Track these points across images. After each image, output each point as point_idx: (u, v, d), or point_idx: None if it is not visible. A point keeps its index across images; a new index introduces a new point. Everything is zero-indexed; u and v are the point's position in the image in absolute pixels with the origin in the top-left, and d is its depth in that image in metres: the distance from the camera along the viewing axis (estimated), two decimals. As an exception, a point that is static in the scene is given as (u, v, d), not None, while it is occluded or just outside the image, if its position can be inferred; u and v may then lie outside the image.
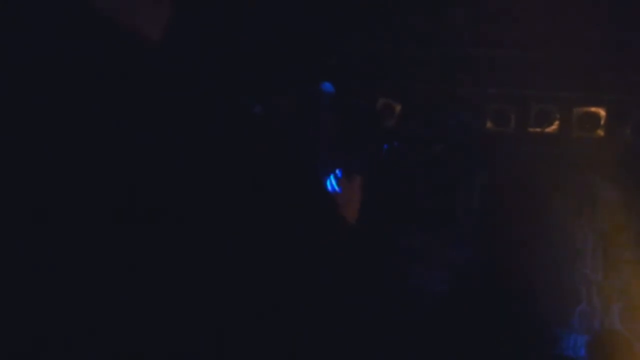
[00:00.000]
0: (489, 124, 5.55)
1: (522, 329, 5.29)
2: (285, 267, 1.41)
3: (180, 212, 1.26)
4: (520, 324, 5.28)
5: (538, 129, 5.52)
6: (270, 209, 1.39)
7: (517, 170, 5.51)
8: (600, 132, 5.46)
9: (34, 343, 1.18)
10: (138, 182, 1.24)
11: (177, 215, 1.26)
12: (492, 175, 5.61)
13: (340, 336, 1.63)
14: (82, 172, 1.21)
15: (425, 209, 5.56)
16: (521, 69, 5.37)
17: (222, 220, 1.30)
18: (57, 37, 1.27)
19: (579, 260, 5.43)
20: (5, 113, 1.22)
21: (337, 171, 2.64)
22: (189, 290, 1.26)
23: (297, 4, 4.68)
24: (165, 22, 1.33)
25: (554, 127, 5.52)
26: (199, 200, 1.28)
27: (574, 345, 5.30)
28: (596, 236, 5.47)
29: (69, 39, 1.27)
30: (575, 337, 5.31)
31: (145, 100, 1.29)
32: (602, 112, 5.46)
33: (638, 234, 5.27)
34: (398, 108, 5.54)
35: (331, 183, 2.64)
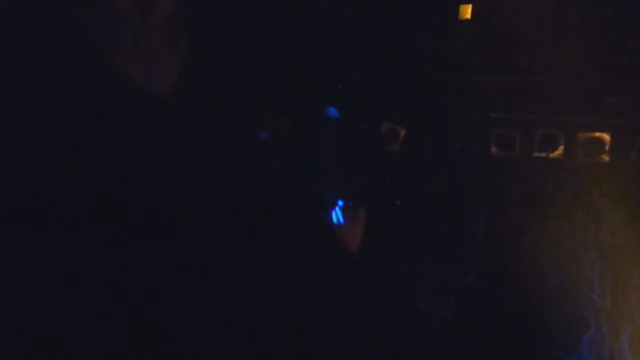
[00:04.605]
0: (493, 149, 5.54)
1: (529, 356, 5.24)
2: (284, 287, 1.40)
3: (180, 216, 1.25)
4: (528, 351, 5.22)
5: (543, 154, 5.51)
6: (271, 226, 1.38)
7: (522, 195, 5.49)
8: (605, 157, 5.45)
9: (31, 343, 1.16)
10: (139, 184, 1.23)
11: (178, 219, 1.25)
12: (497, 200, 5.59)
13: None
14: (82, 172, 1.20)
15: (430, 234, 5.54)
16: (526, 94, 5.37)
17: (221, 227, 1.29)
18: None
19: (586, 286, 5.39)
20: (5, 113, 1.21)
21: (341, 202, 2.63)
22: (188, 292, 1.25)
23: (303, 29, 4.70)
24: (176, 78, 1.32)
25: (558, 152, 5.51)
26: (201, 207, 1.27)
27: (582, 372, 5.25)
28: (603, 261, 5.43)
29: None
30: (584, 364, 5.26)
31: (146, 106, 1.29)
32: (606, 137, 5.45)
33: (645, 259, 5.24)
34: (402, 132, 5.53)
35: (336, 214, 2.63)
